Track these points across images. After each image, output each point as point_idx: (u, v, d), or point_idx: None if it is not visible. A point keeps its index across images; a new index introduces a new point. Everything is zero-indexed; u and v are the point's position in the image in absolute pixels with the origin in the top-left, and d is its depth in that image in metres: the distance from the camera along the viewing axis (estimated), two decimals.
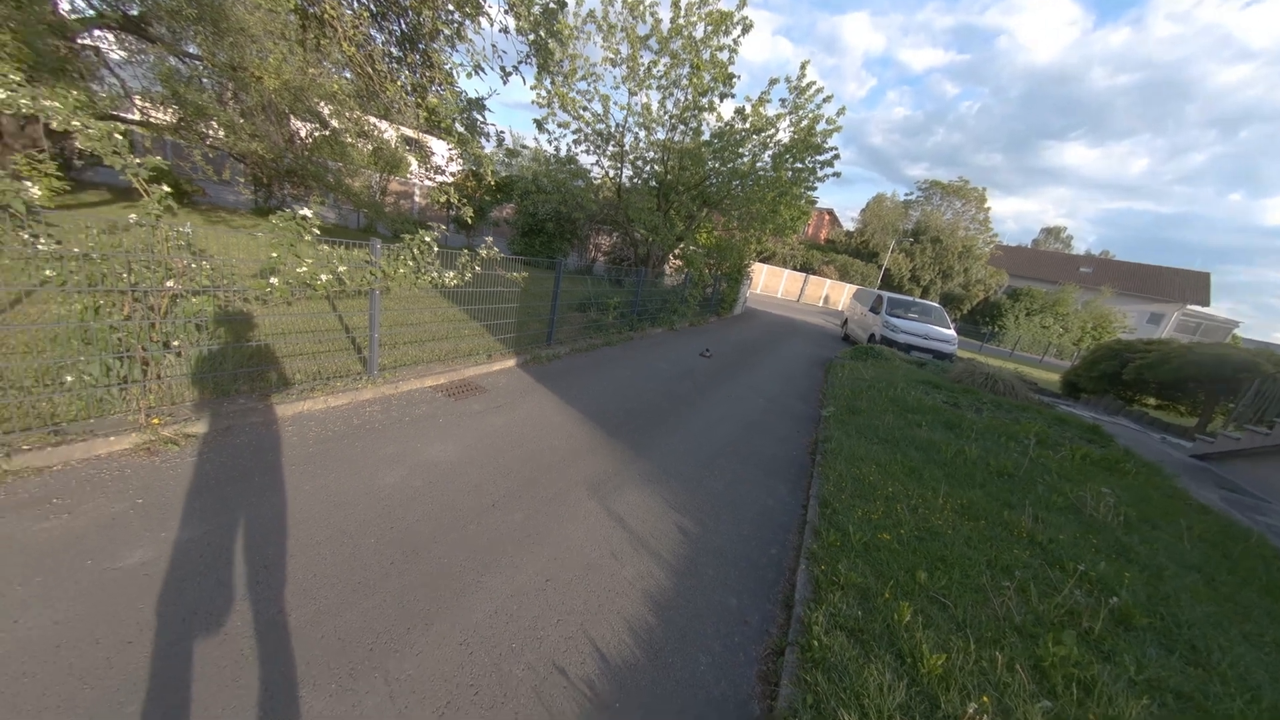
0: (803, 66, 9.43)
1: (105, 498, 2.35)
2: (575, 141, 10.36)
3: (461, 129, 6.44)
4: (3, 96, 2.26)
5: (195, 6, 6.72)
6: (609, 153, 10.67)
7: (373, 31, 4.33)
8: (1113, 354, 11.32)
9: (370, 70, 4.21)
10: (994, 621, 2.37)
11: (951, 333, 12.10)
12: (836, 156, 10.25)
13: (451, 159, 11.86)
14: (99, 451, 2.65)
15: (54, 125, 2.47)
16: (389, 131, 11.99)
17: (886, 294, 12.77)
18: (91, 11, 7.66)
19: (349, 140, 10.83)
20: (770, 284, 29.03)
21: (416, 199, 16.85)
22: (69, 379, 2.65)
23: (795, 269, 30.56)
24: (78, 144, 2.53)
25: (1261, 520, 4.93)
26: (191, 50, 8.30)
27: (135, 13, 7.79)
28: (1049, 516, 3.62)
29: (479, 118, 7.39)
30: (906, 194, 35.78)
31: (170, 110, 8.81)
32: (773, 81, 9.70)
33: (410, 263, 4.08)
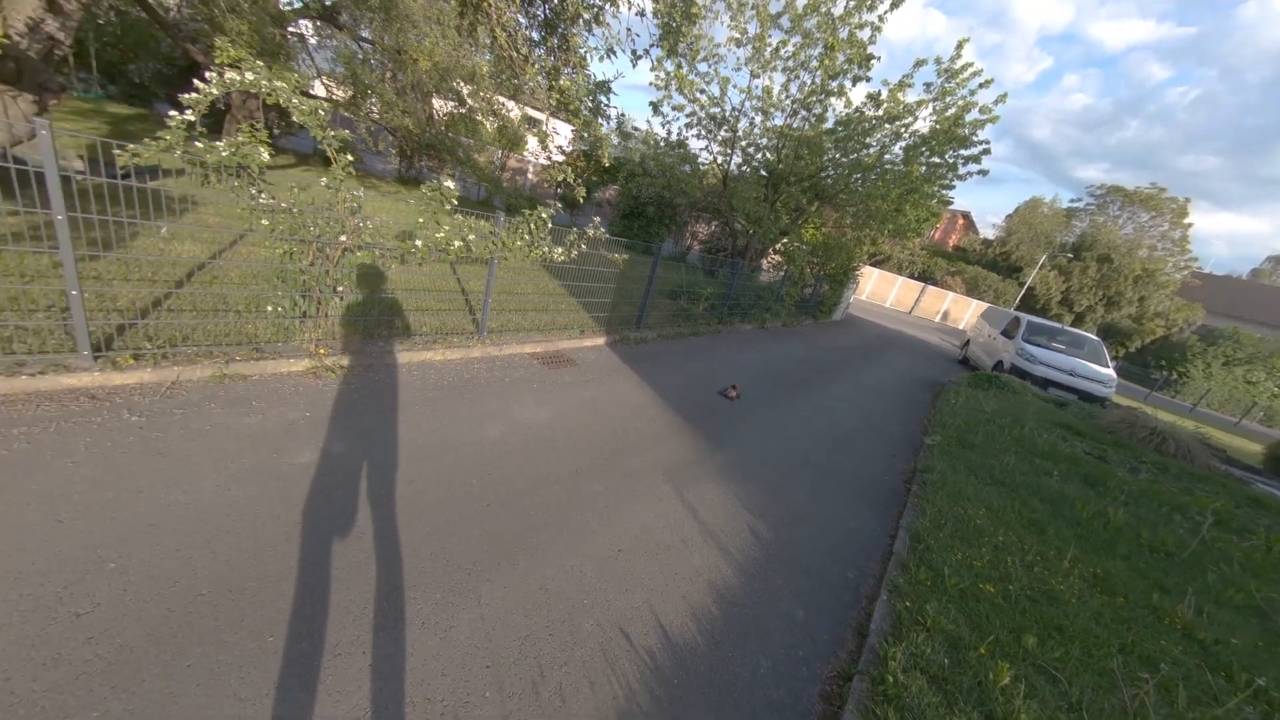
0: (959, 46, 8.35)
1: (286, 407, 2.97)
2: (688, 125, 10.32)
3: (587, 111, 6.79)
4: (251, 78, 2.88)
5: None
6: (720, 138, 10.47)
7: (519, 16, 4.72)
8: None
9: (513, 54, 4.60)
10: (1121, 714, 2.05)
11: (1109, 372, 10.17)
12: (986, 151, 9.01)
13: (571, 139, 12.52)
14: (283, 370, 3.33)
15: (279, 102, 3.09)
16: (514, 111, 13.00)
17: (1026, 316, 11.06)
18: (300, 3, 9.27)
19: (480, 119, 11.94)
20: (879, 291, 26.64)
21: (530, 176, 18.09)
22: (269, 309, 3.36)
23: (912, 277, 27.63)
24: (294, 117, 3.14)
25: None
26: (365, 35, 9.69)
27: (330, 3, 9.28)
28: (1219, 613, 2.98)
29: (604, 100, 7.70)
30: (1072, 200, 30.43)
31: (345, 88, 10.40)
32: (918, 63, 8.75)
33: (526, 236, 4.45)
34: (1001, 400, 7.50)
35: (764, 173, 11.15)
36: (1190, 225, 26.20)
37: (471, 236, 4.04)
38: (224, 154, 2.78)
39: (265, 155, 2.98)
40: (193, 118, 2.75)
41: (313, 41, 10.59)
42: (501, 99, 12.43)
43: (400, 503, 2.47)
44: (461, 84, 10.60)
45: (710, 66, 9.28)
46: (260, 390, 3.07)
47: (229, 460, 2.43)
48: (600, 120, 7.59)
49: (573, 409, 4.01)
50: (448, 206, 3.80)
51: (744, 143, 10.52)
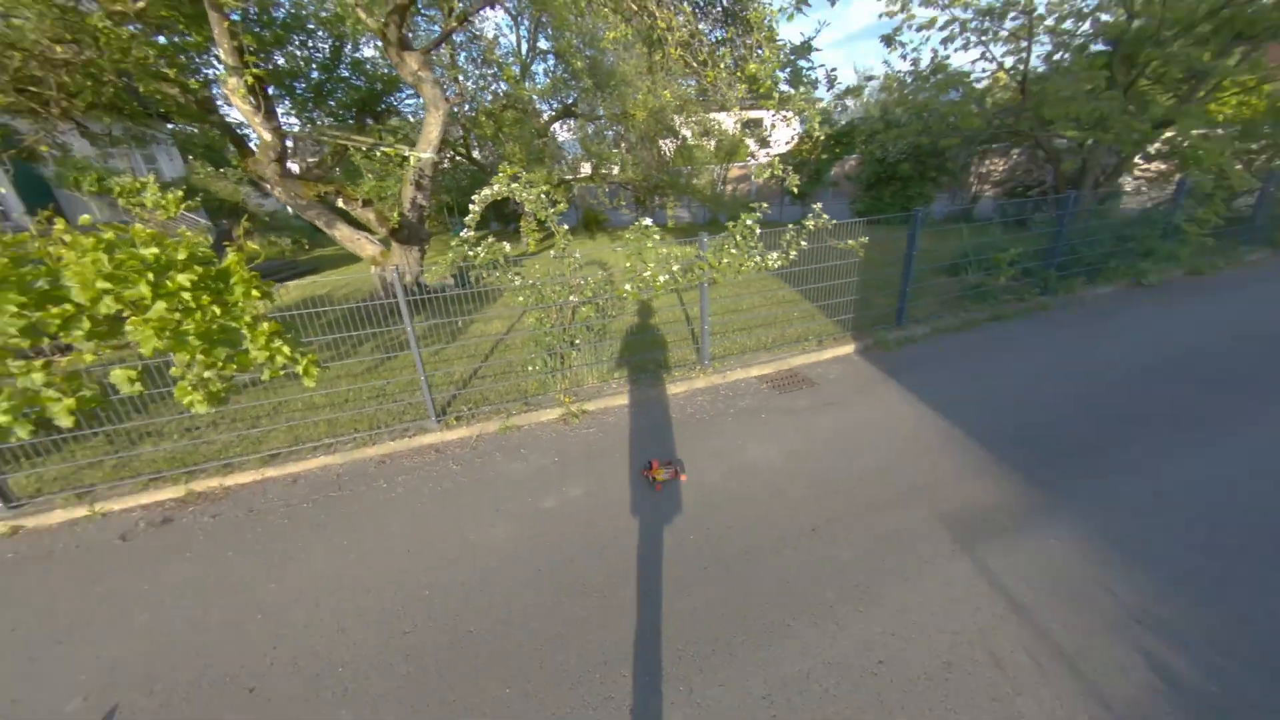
0: None
1: (540, 453, 3.63)
2: (946, 39, 8.08)
3: (786, 85, 6.18)
4: (497, 189, 3.80)
5: (593, 78, 9.50)
6: (1004, 31, 7.74)
7: (702, 26, 4.72)
8: None
9: (694, 63, 4.61)
10: None
11: None
12: None
13: (774, 125, 11.92)
14: (543, 419, 4.13)
15: (518, 197, 3.96)
16: (729, 122, 13.29)
17: None
18: (552, 111, 12.19)
19: (694, 143, 12.74)
20: None
21: (753, 180, 17.98)
22: (530, 368, 4.26)
23: None
24: (526, 207, 3.95)
25: None
26: (600, 113, 11.84)
27: (570, 101, 11.82)
28: None
29: (804, 64, 6.91)
30: None
31: (589, 163, 12.94)
32: None
33: (733, 251, 4.24)
34: None
35: (1103, 45, 7.58)
36: None
37: (676, 267, 4.12)
38: (482, 256, 3.72)
39: (506, 247, 3.84)
40: (469, 234, 3.82)
41: (564, 136, 13.71)
42: (713, 115, 12.93)
43: (652, 557, 2.57)
44: (674, 117, 11.62)
45: None
46: (525, 439, 3.87)
47: (503, 500, 3.09)
48: (802, 88, 6.71)
49: (809, 443, 3.45)
50: (649, 243, 4.00)
51: (1051, 20, 7.46)
